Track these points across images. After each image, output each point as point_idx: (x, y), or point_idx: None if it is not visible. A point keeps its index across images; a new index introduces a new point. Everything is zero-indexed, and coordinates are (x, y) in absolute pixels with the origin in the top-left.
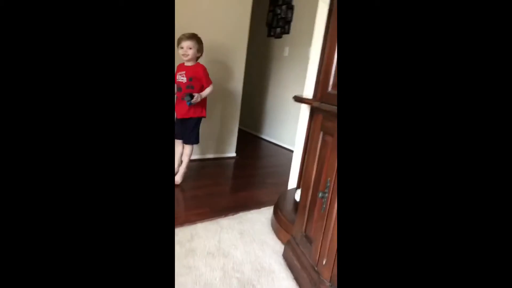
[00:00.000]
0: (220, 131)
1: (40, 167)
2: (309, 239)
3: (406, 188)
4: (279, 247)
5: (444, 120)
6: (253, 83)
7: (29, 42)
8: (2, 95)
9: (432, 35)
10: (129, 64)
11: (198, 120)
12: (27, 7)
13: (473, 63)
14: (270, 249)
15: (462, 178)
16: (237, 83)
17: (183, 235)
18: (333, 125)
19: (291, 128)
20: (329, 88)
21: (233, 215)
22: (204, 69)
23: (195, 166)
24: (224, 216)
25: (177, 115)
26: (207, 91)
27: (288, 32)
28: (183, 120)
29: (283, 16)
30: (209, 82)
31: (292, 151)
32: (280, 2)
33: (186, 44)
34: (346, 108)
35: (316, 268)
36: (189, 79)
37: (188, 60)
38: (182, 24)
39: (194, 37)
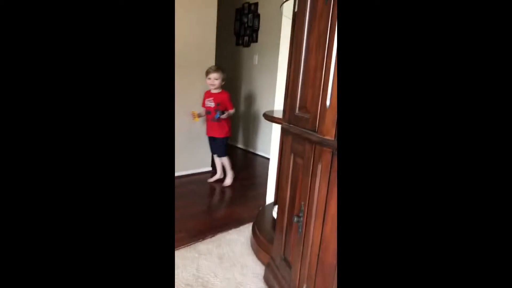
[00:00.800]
0: (192, 144)
1: (43, 170)
2: (288, 263)
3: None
4: (260, 268)
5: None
6: None
7: (29, 42)
8: (2, 95)
9: (436, 42)
10: (129, 64)
11: (225, 139)
12: (27, 7)
13: (475, 67)
14: (250, 272)
15: (461, 187)
16: None
17: None
18: (302, 148)
19: (265, 136)
20: (296, 111)
21: (211, 237)
22: (229, 95)
23: None
24: (202, 240)
25: (207, 133)
26: (231, 112)
27: (256, 41)
28: (214, 139)
29: (250, 25)
30: (232, 106)
31: (268, 159)
32: (246, 11)
33: (213, 75)
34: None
35: None
36: (217, 104)
37: (215, 88)
38: None
39: (219, 69)
